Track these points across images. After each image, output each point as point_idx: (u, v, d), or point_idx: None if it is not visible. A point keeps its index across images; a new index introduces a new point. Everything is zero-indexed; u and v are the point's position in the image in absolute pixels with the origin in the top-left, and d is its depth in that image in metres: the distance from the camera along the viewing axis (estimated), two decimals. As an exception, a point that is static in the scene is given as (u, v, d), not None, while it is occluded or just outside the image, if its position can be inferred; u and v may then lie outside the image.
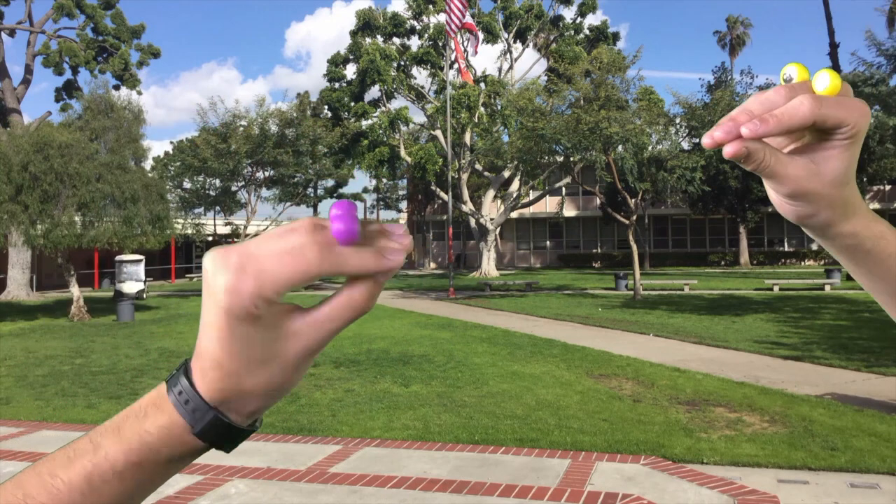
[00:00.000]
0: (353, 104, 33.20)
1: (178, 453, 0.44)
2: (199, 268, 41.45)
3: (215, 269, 0.40)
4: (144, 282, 23.25)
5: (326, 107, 35.08)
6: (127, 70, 30.12)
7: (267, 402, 0.44)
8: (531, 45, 37.11)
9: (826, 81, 0.47)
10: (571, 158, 21.65)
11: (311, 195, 60.83)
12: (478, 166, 35.14)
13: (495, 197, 36.21)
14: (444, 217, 37.29)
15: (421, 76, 35.66)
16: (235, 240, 25.23)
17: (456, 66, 31.09)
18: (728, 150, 0.47)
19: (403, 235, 0.43)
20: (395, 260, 0.42)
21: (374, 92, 33.85)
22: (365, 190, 68.47)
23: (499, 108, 32.23)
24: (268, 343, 0.42)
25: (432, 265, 43.51)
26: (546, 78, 30.25)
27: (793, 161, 0.49)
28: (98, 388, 8.63)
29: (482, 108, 32.48)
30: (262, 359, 0.42)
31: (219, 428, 0.43)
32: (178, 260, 37.67)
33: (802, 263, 37.08)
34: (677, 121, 22.95)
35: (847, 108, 0.47)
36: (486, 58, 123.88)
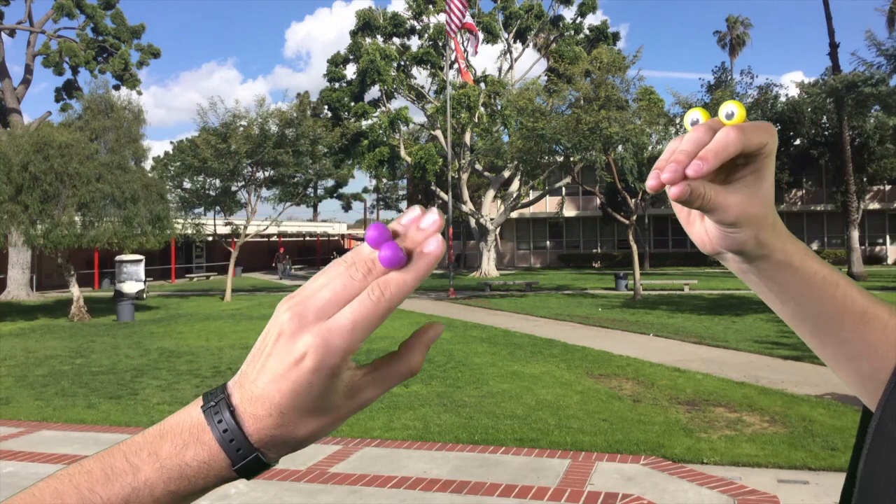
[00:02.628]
0: (353, 104, 33.19)
1: (213, 484, 0.46)
2: (199, 268, 41.45)
3: (295, 328, 0.42)
4: (144, 282, 23.25)
5: (326, 107, 35.06)
6: (127, 70, 30.11)
7: (302, 447, 0.47)
8: (531, 45, 37.09)
9: (734, 111, 0.51)
10: (571, 158, 21.64)
11: (311, 195, 60.93)
12: (478, 166, 35.12)
13: (495, 197, 36.20)
14: (444, 217, 37.19)
15: (421, 76, 35.68)
16: (235, 239, 25.15)
17: (456, 66, 31.06)
18: (673, 193, 0.50)
19: (425, 217, 0.46)
20: (435, 249, 0.44)
21: (374, 92, 33.86)
22: (365, 190, 68.58)
23: (499, 108, 32.21)
24: (334, 398, 0.44)
25: (432, 265, 43.47)
26: (546, 78, 30.24)
27: (731, 190, 0.53)
28: (98, 388, 8.63)
29: (482, 108, 32.46)
30: (321, 411, 0.44)
31: (256, 465, 0.45)
32: (178, 260, 37.66)
33: (802, 263, 37.06)
34: (677, 121, 22.93)
35: (761, 129, 0.51)
36: (486, 58, 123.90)
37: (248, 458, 0.44)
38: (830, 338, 0.60)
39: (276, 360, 0.43)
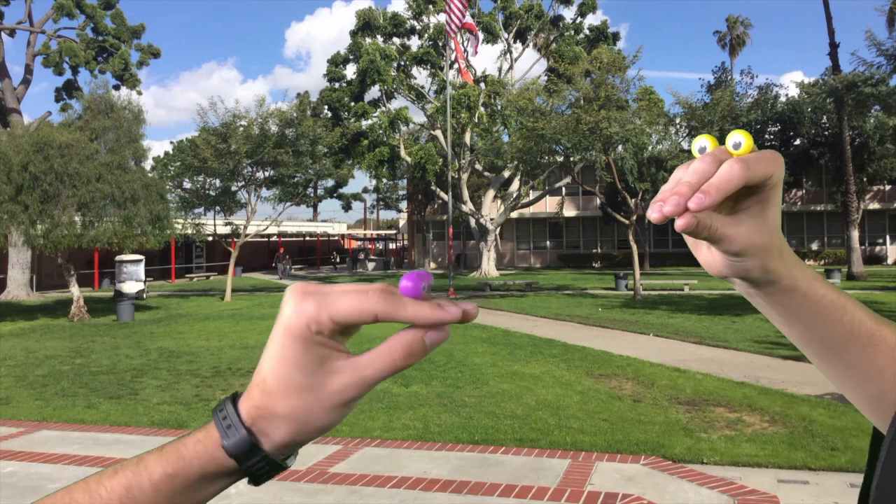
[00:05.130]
0: (353, 104, 33.18)
1: (211, 469, 0.46)
2: (199, 268, 41.45)
3: (288, 297, 0.45)
4: (144, 282, 23.24)
5: (326, 107, 35.05)
6: (127, 70, 30.10)
7: (295, 436, 0.46)
8: (531, 45, 37.09)
9: (741, 141, 0.50)
10: (571, 158, 21.64)
11: (311, 195, 60.91)
12: (478, 166, 35.11)
13: (495, 197, 36.20)
14: (444, 217, 37.24)
15: (421, 76, 35.66)
16: (235, 239, 25.14)
17: (456, 66, 31.06)
18: (680, 224, 0.50)
19: (462, 304, 0.46)
20: (451, 312, 0.44)
21: (374, 92, 33.85)
22: (365, 190, 68.56)
23: (499, 108, 32.21)
24: (311, 372, 0.45)
25: (432, 265, 43.50)
26: (546, 78, 30.24)
27: (736, 221, 0.53)
28: (98, 388, 8.63)
29: (482, 108, 32.46)
30: (301, 386, 0.45)
31: (247, 447, 0.45)
32: (178, 260, 37.65)
33: (802, 263, 37.05)
34: (677, 121, 22.93)
35: (767, 161, 0.51)
36: (486, 58, 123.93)
37: (239, 437, 0.45)
38: (838, 360, 0.60)
39: (273, 332, 0.45)
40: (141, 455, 0.47)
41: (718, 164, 0.50)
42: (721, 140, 0.52)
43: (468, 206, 34.21)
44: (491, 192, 35.71)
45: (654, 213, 0.50)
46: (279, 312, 0.45)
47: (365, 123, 32.99)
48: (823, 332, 0.59)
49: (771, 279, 0.56)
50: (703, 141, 0.52)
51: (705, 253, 0.57)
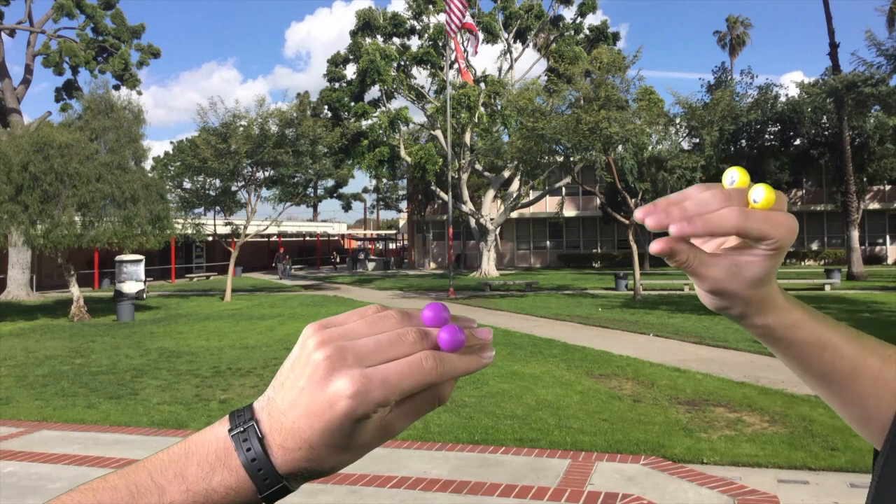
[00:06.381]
0: (353, 104, 33.18)
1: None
2: (199, 268, 41.43)
3: (332, 368, 0.42)
4: (144, 282, 23.23)
5: (326, 107, 35.05)
6: (127, 70, 30.10)
7: (327, 475, 0.47)
8: (531, 45, 37.09)
9: (761, 195, 0.51)
10: (571, 158, 21.64)
11: (311, 195, 60.91)
12: (478, 166, 35.11)
13: (495, 197, 36.19)
14: (444, 217, 37.24)
15: (421, 76, 35.67)
16: (235, 239, 25.10)
17: (456, 66, 31.06)
18: (654, 248, 0.51)
19: (484, 330, 0.48)
20: (491, 357, 0.48)
21: (374, 92, 33.85)
22: (365, 190, 68.57)
23: (499, 108, 32.21)
24: (363, 435, 0.45)
25: (432, 265, 43.49)
26: (546, 78, 30.24)
27: (715, 263, 0.54)
28: (98, 388, 8.63)
29: (482, 108, 32.45)
30: (351, 448, 0.45)
31: (282, 493, 0.46)
32: (178, 260, 37.65)
33: (802, 263, 37.08)
34: (677, 121, 22.92)
35: (774, 223, 0.51)
36: (486, 58, 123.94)
37: (275, 488, 0.45)
38: (820, 387, 0.62)
39: (309, 396, 0.43)
40: (156, 477, 0.44)
41: (725, 204, 0.51)
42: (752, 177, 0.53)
43: (468, 206, 34.21)
44: (491, 192, 35.71)
45: (638, 214, 0.52)
46: (321, 382, 0.43)
47: (365, 123, 32.99)
48: (802, 364, 0.60)
49: (745, 324, 0.58)
50: (734, 173, 0.53)
51: (695, 285, 0.59)
